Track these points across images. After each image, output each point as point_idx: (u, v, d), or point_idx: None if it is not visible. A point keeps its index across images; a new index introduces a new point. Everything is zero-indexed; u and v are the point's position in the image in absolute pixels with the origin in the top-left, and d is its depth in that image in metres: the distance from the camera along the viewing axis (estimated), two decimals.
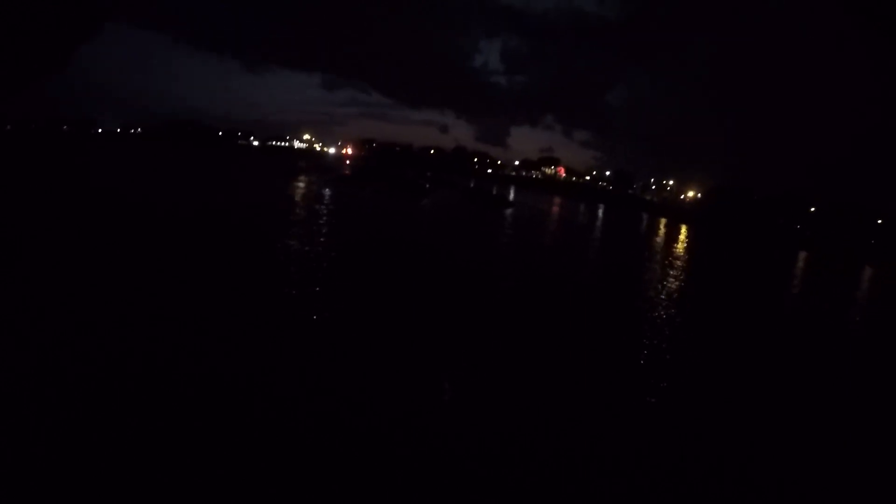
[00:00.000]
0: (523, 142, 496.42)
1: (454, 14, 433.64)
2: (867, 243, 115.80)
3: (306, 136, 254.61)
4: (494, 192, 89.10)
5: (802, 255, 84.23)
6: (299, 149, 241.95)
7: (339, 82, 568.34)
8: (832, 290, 47.82)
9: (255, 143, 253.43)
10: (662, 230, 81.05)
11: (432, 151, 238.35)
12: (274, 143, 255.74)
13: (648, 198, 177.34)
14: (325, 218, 35.21)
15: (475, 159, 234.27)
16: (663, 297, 25.73)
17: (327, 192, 54.09)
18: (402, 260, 24.73)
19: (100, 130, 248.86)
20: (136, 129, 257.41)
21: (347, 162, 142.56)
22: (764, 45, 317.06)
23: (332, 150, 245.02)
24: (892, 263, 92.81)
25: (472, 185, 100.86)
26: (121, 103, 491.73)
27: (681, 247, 56.49)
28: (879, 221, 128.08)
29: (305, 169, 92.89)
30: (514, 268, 27.58)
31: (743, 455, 10.99)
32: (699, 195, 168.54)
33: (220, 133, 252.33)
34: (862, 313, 38.21)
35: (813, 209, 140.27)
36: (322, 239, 26.48)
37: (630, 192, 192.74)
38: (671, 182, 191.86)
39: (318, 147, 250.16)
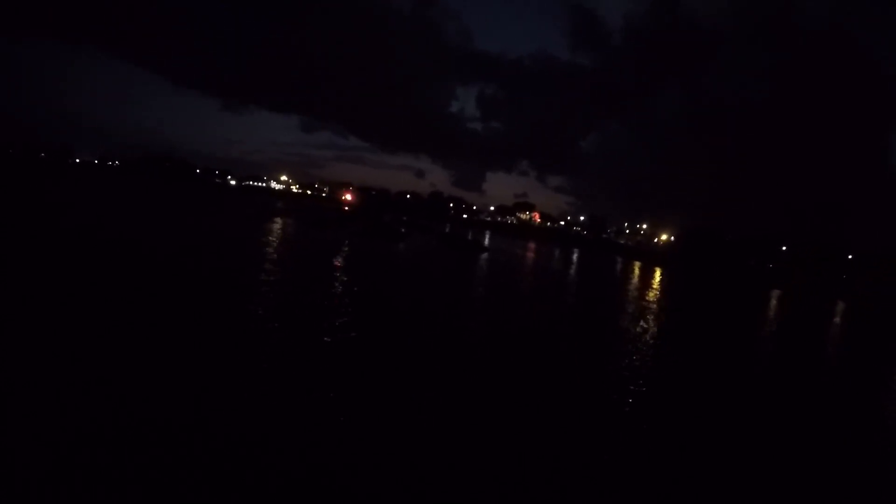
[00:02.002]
0: (498, 187, 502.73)
1: (431, 61, 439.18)
2: (839, 279, 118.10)
3: (283, 178, 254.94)
4: (469, 237, 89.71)
5: (776, 292, 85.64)
6: (276, 190, 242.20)
7: (317, 125, 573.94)
8: (806, 325, 48.81)
9: (233, 182, 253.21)
10: (637, 273, 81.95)
11: (408, 196, 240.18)
12: (251, 182, 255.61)
13: (622, 241, 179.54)
14: (300, 261, 35.14)
15: (451, 204, 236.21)
16: (643, 341, 25.63)
17: (303, 234, 54.08)
18: (375, 305, 24.36)
19: (77, 160, 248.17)
20: (113, 161, 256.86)
21: (346, 209, 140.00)
22: (735, 92, 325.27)
23: (307, 192, 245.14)
24: (863, 297, 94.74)
25: (447, 230, 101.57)
26: (99, 134, 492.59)
27: (656, 290, 57.10)
28: (850, 257, 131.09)
29: (282, 211, 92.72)
30: (487, 315, 27.32)
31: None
32: (672, 238, 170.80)
33: (198, 170, 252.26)
34: (837, 348, 39.01)
35: (784, 248, 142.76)
36: (295, 282, 26.16)
37: (604, 236, 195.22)
38: (644, 226, 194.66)
39: (294, 189, 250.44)
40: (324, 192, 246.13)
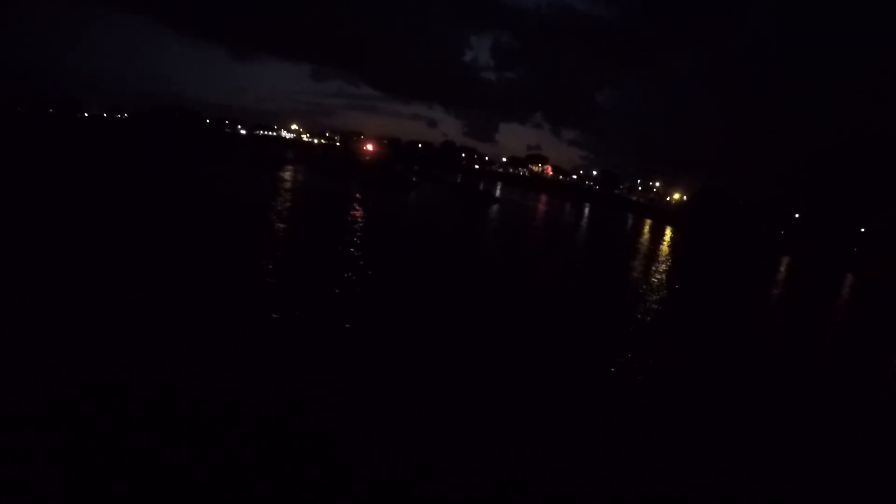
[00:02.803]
0: (511, 138, 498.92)
1: (446, 8, 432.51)
2: (850, 251, 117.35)
3: (294, 126, 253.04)
4: (481, 187, 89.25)
5: (786, 259, 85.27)
6: (287, 139, 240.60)
7: (328, 73, 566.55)
8: (814, 295, 48.56)
9: (243, 131, 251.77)
10: (647, 232, 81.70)
11: (420, 145, 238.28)
12: (262, 132, 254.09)
13: (634, 198, 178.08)
14: (310, 212, 35.39)
15: (463, 154, 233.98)
16: (651, 301, 26.08)
17: (313, 184, 53.91)
18: (383, 258, 24.51)
19: (86, 114, 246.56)
20: (122, 114, 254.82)
21: (368, 159, 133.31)
22: (755, 57, 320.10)
23: (320, 141, 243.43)
24: (873, 271, 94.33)
25: (458, 180, 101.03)
26: (108, 87, 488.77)
27: (666, 250, 57.03)
28: (863, 230, 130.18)
29: (293, 160, 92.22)
30: (494, 271, 27.41)
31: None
32: (685, 198, 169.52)
33: (208, 120, 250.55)
34: (843, 320, 38.86)
35: (797, 216, 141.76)
36: (304, 233, 26.67)
37: (616, 192, 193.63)
38: (657, 184, 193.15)
39: (305, 137, 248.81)
40: (335, 140, 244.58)
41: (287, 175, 59.17)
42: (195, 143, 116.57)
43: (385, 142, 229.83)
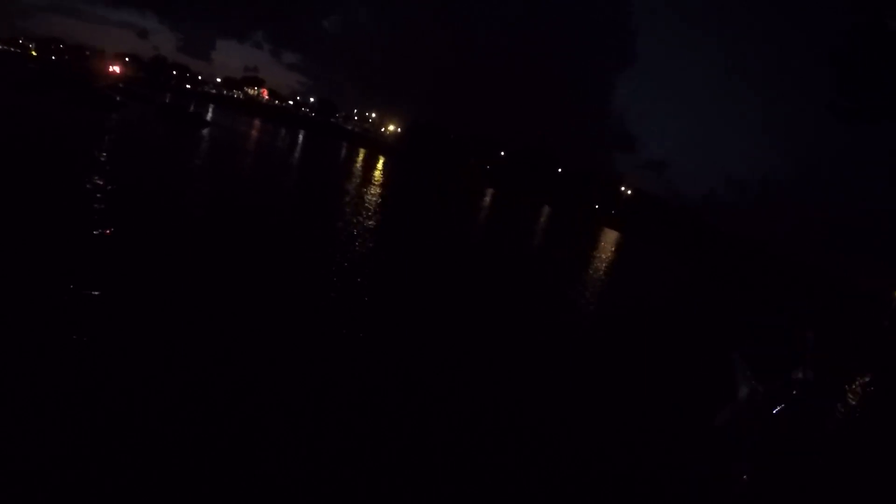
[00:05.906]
0: (229, 58, 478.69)
1: None
2: (548, 187, 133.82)
3: None
4: (191, 109, 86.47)
5: (490, 191, 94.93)
6: None
7: None
8: (515, 222, 55.47)
9: None
10: (361, 160, 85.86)
11: (127, 59, 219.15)
12: None
13: (350, 128, 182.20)
14: None
15: (174, 72, 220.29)
16: (347, 233, 26.74)
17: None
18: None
19: None
20: None
21: (120, 85, 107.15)
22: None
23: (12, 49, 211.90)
24: (566, 204, 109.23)
25: (167, 100, 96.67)
26: None
27: (377, 177, 61.18)
28: (560, 170, 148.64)
29: None
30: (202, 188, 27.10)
31: None
32: (399, 130, 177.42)
33: None
34: (539, 242, 45.47)
35: (503, 153, 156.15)
36: None
37: (332, 120, 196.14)
38: (374, 115, 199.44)
39: None
40: (30, 48, 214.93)
41: None
42: None
43: (87, 52, 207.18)
